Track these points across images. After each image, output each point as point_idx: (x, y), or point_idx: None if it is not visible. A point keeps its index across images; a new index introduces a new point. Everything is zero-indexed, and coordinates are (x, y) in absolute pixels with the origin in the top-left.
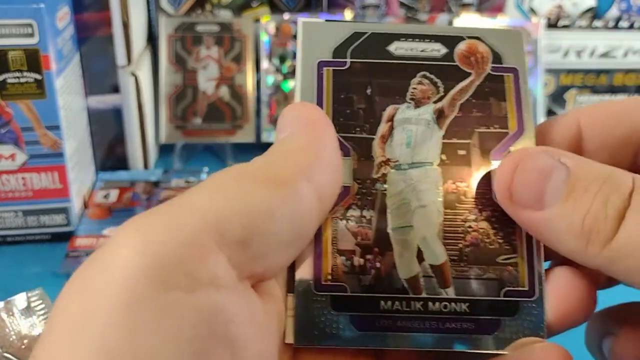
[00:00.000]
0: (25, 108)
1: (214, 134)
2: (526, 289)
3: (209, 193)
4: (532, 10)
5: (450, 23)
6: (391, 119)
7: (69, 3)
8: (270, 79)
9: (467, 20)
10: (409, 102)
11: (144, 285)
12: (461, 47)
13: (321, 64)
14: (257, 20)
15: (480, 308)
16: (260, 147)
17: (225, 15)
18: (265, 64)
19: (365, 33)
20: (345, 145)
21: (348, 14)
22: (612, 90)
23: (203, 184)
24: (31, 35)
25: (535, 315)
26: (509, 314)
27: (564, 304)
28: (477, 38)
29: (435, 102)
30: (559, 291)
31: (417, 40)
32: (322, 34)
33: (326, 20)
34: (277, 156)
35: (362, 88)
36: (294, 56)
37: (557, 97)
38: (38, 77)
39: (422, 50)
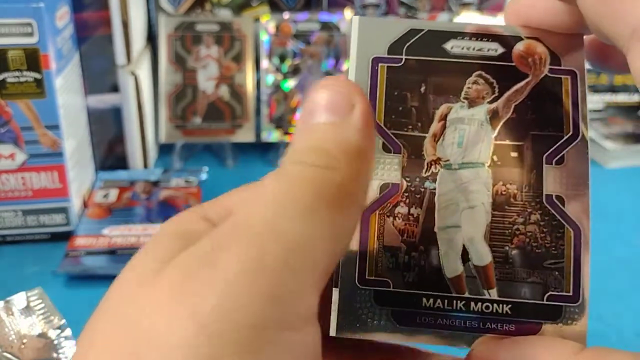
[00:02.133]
0: (24, 107)
1: (213, 134)
2: (570, 294)
3: (296, 222)
4: None
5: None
6: (444, 118)
7: (69, 2)
8: (270, 78)
9: (467, 19)
10: (463, 102)
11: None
12: (519, 47)
13: (376, 60)
14: (257, 20)
15: (523, 311)
16: (260, 146)
17: (225, 14)
18: (265, 63)
19: (422, 30)
20: (395, 142)
21: (348, 14)
22: (613, 89)
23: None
24: (31, 34)
25: (578, 320)
26: (551, 318)
27: None
28: (536, 39)
29: (489, 102)
30: None
31: (474, 39)
32: (378, 31)
33: (381, 17)
34: (335, 163)
35: (416, 85)
36: (294, 55)
37: None
38: (38, 76)
39: (478, 50)
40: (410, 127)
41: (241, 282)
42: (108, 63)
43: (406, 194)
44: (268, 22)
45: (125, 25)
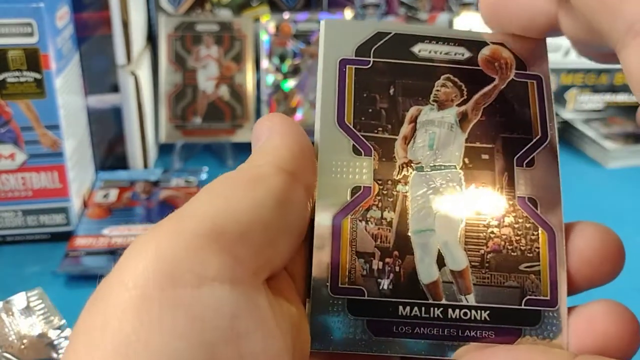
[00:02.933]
0: (24, 107)
1: (213, 134)
2: (548, 298)
3: (203, 200)
4: None
5: (451, 22)
6: (414, 120)
7: (69, 2)
8: (270, 78)
9: (468, 19)
10: (432, 104)
11: (153, 287)
12: (485, 52)
13: (343, 62)
14: (257, 20)
15: (502, 316)
16: None
17: (225, 14)
18: (265, 63)
19: (389, 33)
20: (366, 144)
21: (348, 14)
22: (613, 89)
23: (198, 195)
24: (31, 34)
25: (557, 325)
26: (530, 324)
27: (596, 340)
28: (502, 44)
29: (458, 105)
30: (590, 324)
31: (440, 42)
32: (345, 33)
33: (348, 20)
34: (256, 158)
35: (385, 88)
36: (294, 55)
37: (558, 97)
38: (38, 76)
39: (446, 53)
40: (380, 129)
41: None
42: (108, 63)
43: (378, 198)
44: (268, 22)
45: (125, 25)
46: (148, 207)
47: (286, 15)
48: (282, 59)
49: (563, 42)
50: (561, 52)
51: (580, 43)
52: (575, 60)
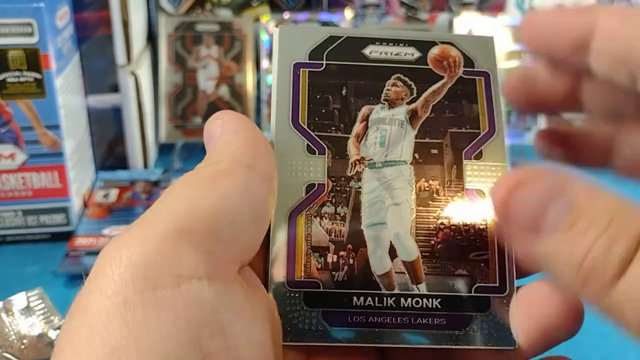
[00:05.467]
0: (25, 107)
1: None
2: (497, 285)
3: (168, 202)
4: (533, 10)
5: (451, 22)
6: (366, 119)
7: (69, 2)
8: (270, 78)
9: (468, 19)
10: (383, 103)
11: (134, 292)
12: (434, 51)
13: (297, 66)
14: (257, 20)
15: (452, 304)
16: None
17: (225, 14)
18: (265, 63)
19: (341, 37)
20: (320, 143)
21: (348, 14)
22: None
23: (161, 198)
24: (31, 34)
25: (506, 311)
26: (480, 310)
27: (538, 322)
28: (450, 43)
29: (408, 103)
30: (531, 307)
31: (391, 44)
32: (298, 38)
33: (301, 25)
34: (212, 155)
35: (337, 89)
36: None
37: None
38: (38, 76)
39: (396, 54)
40: (333, 128)
41: None
42: (108, 63)
43: (332, 194)
44: (268, 22)
45: (126, 25)
46: (148, 207)
47: (286, 15)
48: None
49: None
50: None
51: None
52: None
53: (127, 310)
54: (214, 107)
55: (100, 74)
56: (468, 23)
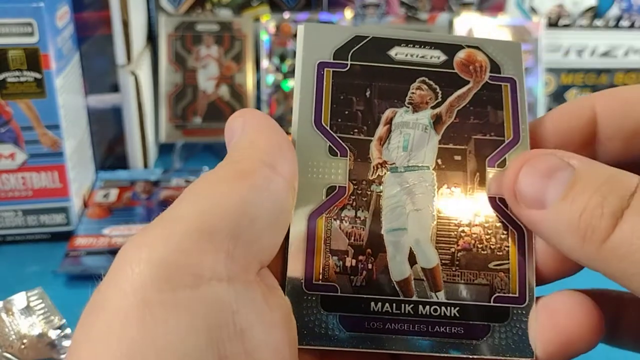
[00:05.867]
0: (25, 107)
1: (213, 133)
2: (517, 295)
3: (189, 201)
4: (533, 10)
5: (451, 22)
6: (389, 122)
7: (69, 2)
8: (270, 78)
9: (468, 19)
10: (407, 106)
11: (152, 291)
12: (460, 55)
13: (321, 65)
14: (257, 19)
15: (470, 313)
16: None
17: (225, 14)
18: (265, 63)
19: (367, 37)
20: (342, 145)
21: (348, 13)
22: None
23: (182, 196)
24: (31, 34)
25: (525, 322)
26: (499, 320)
27: (559, 333)
28: (477, 47)
29: (433, 107)
30: (551, 319)
31: (417, 46)
32: (323, 37)
33: (327, 23)
34: (234, 154)
35: (361, 90)
36: (294, 55)
37: (558, 97)
38: (38, 76)
39: (422, 57)
40: (356, 130)
41: None
42: (108, 63)
43: (353, 197)
44: (268, 22)
45: (126, 25)
46: (148, 207)
47: (286, 15)
48: (282, 58)
49: (563, 42)
50: (561, 52)
51: None
52: (576, 60)
53: (146, 309)
54: (214, 107)
55: (100, 74)
56: (468, 23)
